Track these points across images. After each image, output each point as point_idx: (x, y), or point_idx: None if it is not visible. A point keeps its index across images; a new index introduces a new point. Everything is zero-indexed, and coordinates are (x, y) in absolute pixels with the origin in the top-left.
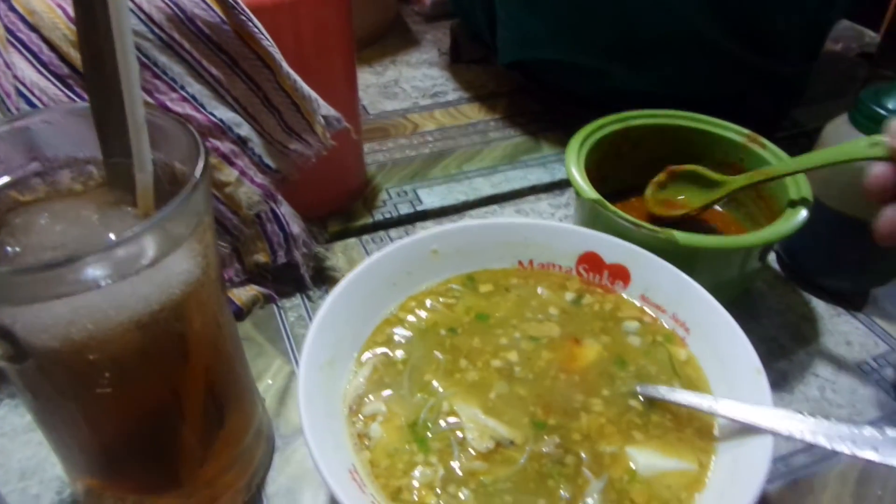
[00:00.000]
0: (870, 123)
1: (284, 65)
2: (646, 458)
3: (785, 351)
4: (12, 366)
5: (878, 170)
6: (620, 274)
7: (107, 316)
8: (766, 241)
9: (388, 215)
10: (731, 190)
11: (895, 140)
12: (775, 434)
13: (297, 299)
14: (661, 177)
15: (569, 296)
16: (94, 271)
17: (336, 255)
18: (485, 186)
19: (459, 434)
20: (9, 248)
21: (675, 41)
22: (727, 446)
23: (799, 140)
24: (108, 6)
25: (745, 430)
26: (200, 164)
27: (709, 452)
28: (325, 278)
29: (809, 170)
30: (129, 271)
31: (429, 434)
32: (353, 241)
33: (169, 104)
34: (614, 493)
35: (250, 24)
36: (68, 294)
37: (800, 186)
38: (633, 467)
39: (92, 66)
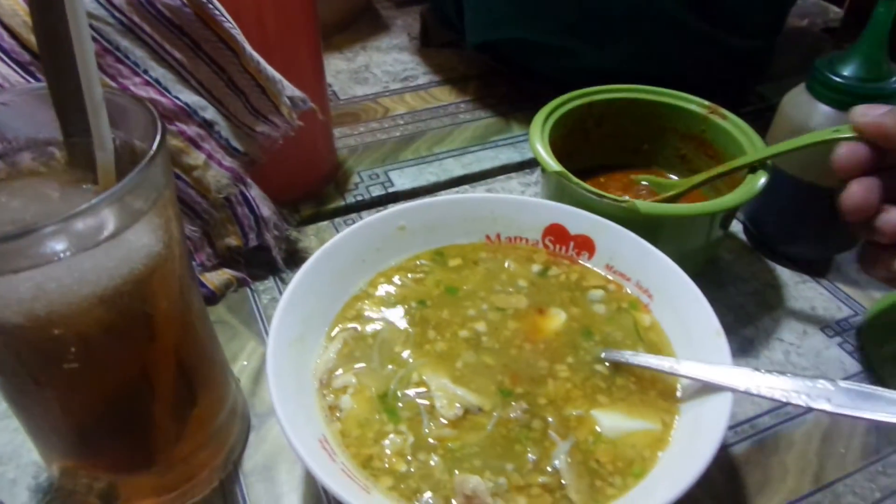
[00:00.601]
0: (826, 91)
1: (248, 47)
2: (611, 420)
3: (751, 317)
4: None
5: (843, 150)
6: (585, 245)
7: (69, 290)
8: (726, 208)
9: (359, 198)
10: (689, 187)
11: (862, 118)
12: (734, 391)
13: (269, 282)
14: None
15: (535, 268)
16: (54, 244)
17: (308, 237)
18: (455, 167)
19: (428, 402)
20: None
21: (638, 17)
22: (689, 406)
23: (765, 114)
24: None
25: (706, 389)
26: (157, 138)
27: (672, 413)
28: (297, 260)
29: (769, 158)
30: (88, 244)
31: (399, 404)
32: (325, 223)
33: (133, 88)
34: (580, 454)
35: (211, 6)
36: (29, 267)
37: (759, 154)
38: (599, 429)
39: (47, 46)
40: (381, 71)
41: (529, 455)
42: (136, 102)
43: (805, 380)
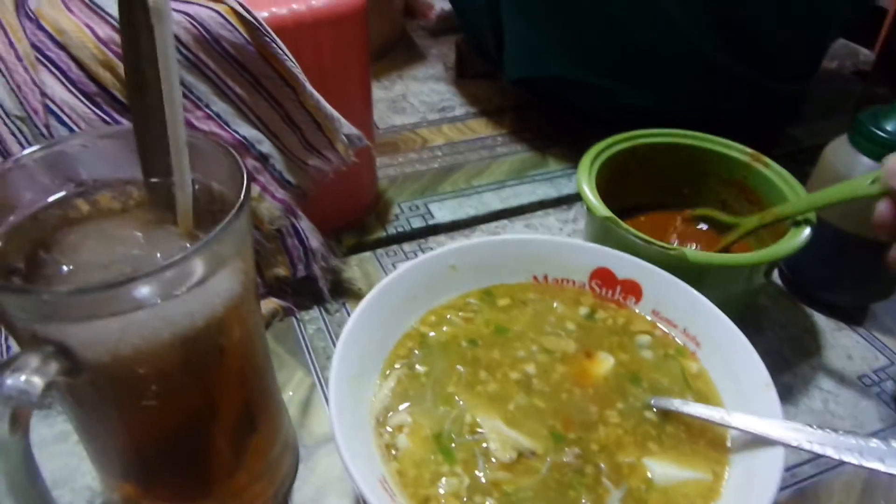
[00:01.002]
0: (868, 144)
1: (307, 84)
2: (662, 469)
3: (788, 364)
4: (67, 380)
5: (881, 208)
6: (632, 289)
7: (156, 332)
8: (772, 259)
9: (401, 229)
10: (744, 232)
11: (890, 179)
12: (786, 445)
13: (315, 312)
14: (677, 224)
15: (583, 310)
16: (147, 290)
17: (352, 268)
18: (494, 201)
19: (483, 445)
20: (63, 267)
21: (675, 59)
22: (740, 457)
23: (797, 157)
24: (153, 32)
25: (757, 441)
26: (244, 187)
27: (722, 463)
28: (342, 291)
29: (817, 209)
30: (178, 290)
31: (453, 445)
32: (367, 254)
33: (194, 122)
34: (633, 502)
35: (274, 44)
36: (122, 312)
37: (802, 205)
38: (650, 477)
39: (136, 90)
40: (418, 101)
41: (584, 501)
42: (216, 146)
43: (858, 438)
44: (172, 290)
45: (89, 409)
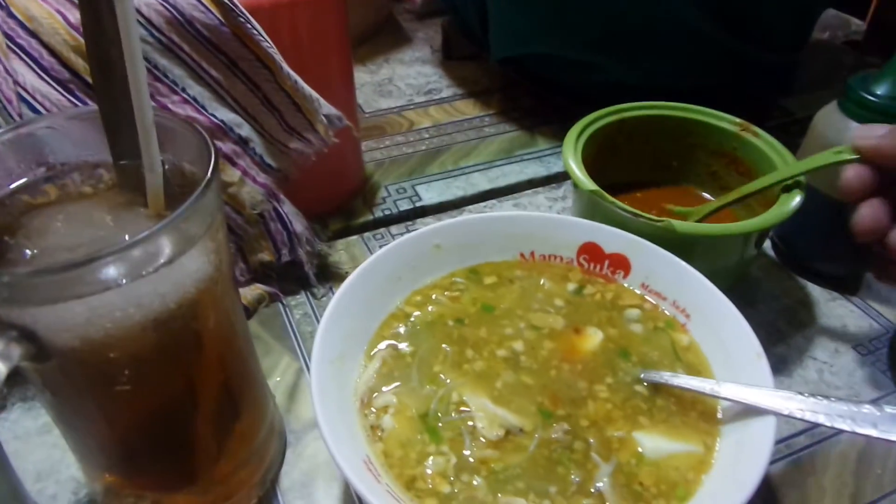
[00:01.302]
0: (859, 110)
1: (284, 65)
2: (652, 442)
3: (783, 335)
4: (34, 366)
5: (851, 171)
6: (621, 263)
7: (125, 314)
8: (761, 228)
9: (388, 212)
10: (704, 214)
11: (863, 140)
12: (777, 414)
13: (301, 297)
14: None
15: (571, 286)
16: (112, 271)
17: (339, 252)
18: (482, 181)
19: (470, 423)
20: (27, 251)
21: (663, 32)
22: (731, 428)
23: (790, 128)
24: (115, 11)
25: (748, 411)
26: (211, 164)
27: (713, 435)
28: (328, 275)
29: (779, 183)
30: (145, 270)
31: (440, 424)
32: (354, 238)
33: (171, 106)
34: (623, 476)
35: (248, 25)
36: (88, 294)
37: (787, 172)
38: (641, 451)
39: (100, 71)
40: (404, 84)
41: (573, 477)
42: (185, 126)
43: (850, 404)
44: (139, 270)
45: (63, 396)
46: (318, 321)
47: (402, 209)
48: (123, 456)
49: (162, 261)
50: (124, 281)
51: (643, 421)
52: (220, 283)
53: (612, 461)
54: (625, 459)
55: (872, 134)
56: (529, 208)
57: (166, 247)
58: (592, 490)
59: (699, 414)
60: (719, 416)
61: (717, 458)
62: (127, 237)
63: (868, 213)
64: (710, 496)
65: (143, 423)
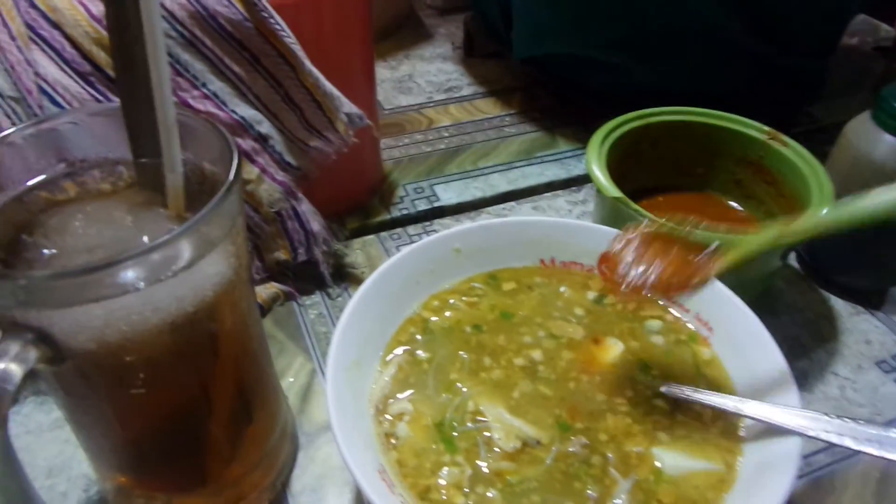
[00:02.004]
0: (891, 121)
1: (307, 62)
2: (672, 459)
3: (805, 349)
4: (50, 368)
5: None
6: None
7: (143, 318)
8: (790, 242)
9: (405, 212)
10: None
11: None
12: (802, 435)
13: (316, 297)
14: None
15: (591, 295)
16: (132, 274)
17: (355, 252)
18: (501, 183)
19: (486, 433)
20: (45, 250)
21: (689, 34)
22: (753, 447)
23: (815, 136)
24: (139, 7)
25: (771, 431)
26: (234, 166)
27: (735, 453)
28: (344, 275)
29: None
30: (164, 274)
31: (455, 434)
32: (371, 237)
33: (191, 101)
34: (641, 494)
35: (272, 20)
36: (106, 297)
37: (822, 185)
38: (660, 467)
39: (123, 67)
40: (424, 81)
41: (589, 492)
42: (207, 125)
43: (878, 427)
44: (159, 273)
45: (77, 397)
46: (332, 321)
47: (419, 209)
48: (135, 457)
49: (181, 265)
50: (143, 285)
51: (663, 437)
52: (239, 286)
53: (630, 477)
54: (643, 476)
55: None
56: (549, 211)
57: (186, 250)
58: None
59: (720, 431)
60: (742, 433)
61: (738, 477)
62: (146, 239)
63: None
64: None
65: (156, 424)
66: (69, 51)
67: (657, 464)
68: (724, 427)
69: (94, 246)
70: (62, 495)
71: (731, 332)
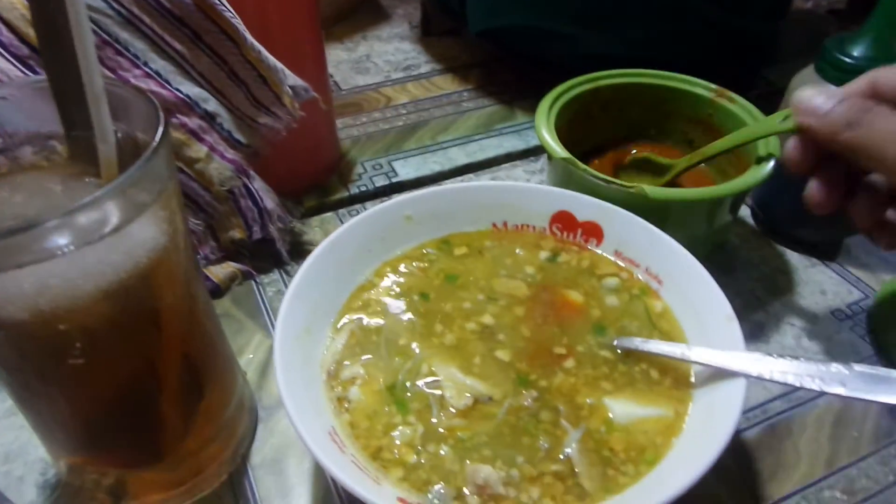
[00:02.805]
0: (835, 72)
1: (248, 36)
2: (623, 408)
3: (761, 303)
4: None
5: (789, 146)
6: (593, 231)
7: (73, 284)
8: (733, 192)
9: (363, 188)
10: (676, 172)
11: (799, 116)
12: (747, 376)
13: (274, 274)
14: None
15: (543, 254)
16: (57, 238)
17: (313, 229)
18: (460, 156)
19: (437, 392)
20: None
21: (642, 1)
22: (702, 392)
23: (772, 97)
24: None
25: (719, 375)
26: (160, 130)
27: (685, 400)
28: (302, 253)
29: (738, 146)
30: (92, 237)
31: (407, 395)
32: (329, 215)
33: (133, 81)
34: (592, 442)
35: None
36: (32, 262)
37: (767, 140)
38: (611, 417)
39: (47, 39)
40: (382, 61)
41: (541, 443)
42: (137, 94)
43: (819, 364)
44: (86, 237)
45: (16, 372)
46: None
47: (378, 185)
48: (84, 434)
49: (109, 228)
50: (69, 248)
51: (613, 387)
52: (175, 255)
53: (580, 427)
54: (595, 426)
55: (810, 106)
56: (507, 181)
57: (113, 213)
58: (561, 456)
59: (673, 381)
60: (692, 380)
61: (687, 422)
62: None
63: (815, 188)
64: (679, 459)
65: (102, 399)
66: (6, 34)
67: (609, 414)
68: (676, 377)
69: (20, 214)
70: (19, 480)
71: (680, 284)
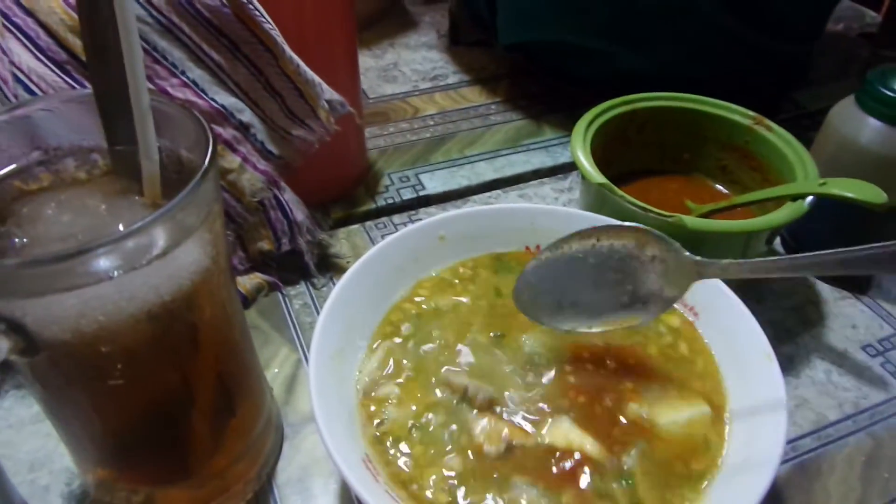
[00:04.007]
0: (876, 105)
1: (287, 48)
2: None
3: (790, 334)
4: (24, 359)
5: None
6: None
7: (118, 307)
8: (772, 226)
9: (390, 201)
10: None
11: None
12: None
13: (301, 287)
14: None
15: None
16: (105, 262)
17: (340, 241)
18: (487, 171)
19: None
20: (15, 240)
21: (675, 19)
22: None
23: (801, 121)
24: None
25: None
26: (209, 152)
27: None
28: (329, 265)
29: (770, 199)
30: (139, 262)
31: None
32: (356, 227)
33: (169, 90)
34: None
35: (250, 6)
36: (79, 286)
37: (806, 170)
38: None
39: (95, 53)
40: (409, 69)
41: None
42: (183, 111)
43: None
44: (133, 262)
45: (53, 389)
46: (317, 312)
47: (405, 198)
48: (116, 450)
49: (156, 252)
50: (116, 273)
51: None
52: (217, 276)
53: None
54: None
55: None
56: (535, 199)
57: (161, 238)
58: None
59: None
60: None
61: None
62: (121, 227)
63: None
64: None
65: (135, 417)
66: (44, 39)
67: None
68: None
69: (67, 234)
70: (44, 489)
71: (717, 317)
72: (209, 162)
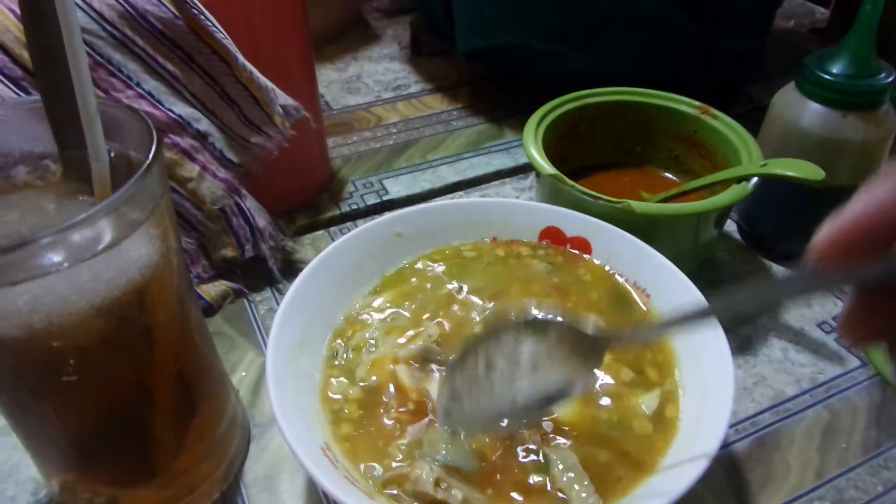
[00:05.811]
0: (815, 89)
1: (240, 57)
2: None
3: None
4: None
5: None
6: (582, 246)
7: (67, 301)
8: (717, 207)
9: (354, 206)
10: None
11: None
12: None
13: (267, 293)
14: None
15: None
16: (51, 255)
17: (304, 247)
18: (450, 174)
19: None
20: None
21: (624, 19)
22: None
23: (755, 114)
24: None
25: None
26: (153, 148)
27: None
28: (294, 271)
29: (717, 183)
30: (85, 255)
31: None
32: (321, 233)
33: (126, 101)
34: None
35: (203, 17)
36: (26, 279)
37: (751, 155)
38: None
39: (41, 60)
40: (372, 80)
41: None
42: (130, 113)
43: None
44: (79, 254)
45: (8, 389)
46: None
47: (368, 203)
48: (76, 452)
49: (102, 245)
50: (64, 265)
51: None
52: (168, 272)
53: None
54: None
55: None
56: (497, 198)
57: (106, 231)
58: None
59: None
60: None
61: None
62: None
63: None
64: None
65: (95, 417)
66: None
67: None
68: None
69: (15, 232)
70: (10, 499)
71: (668, 298)
72: (153, 157)
